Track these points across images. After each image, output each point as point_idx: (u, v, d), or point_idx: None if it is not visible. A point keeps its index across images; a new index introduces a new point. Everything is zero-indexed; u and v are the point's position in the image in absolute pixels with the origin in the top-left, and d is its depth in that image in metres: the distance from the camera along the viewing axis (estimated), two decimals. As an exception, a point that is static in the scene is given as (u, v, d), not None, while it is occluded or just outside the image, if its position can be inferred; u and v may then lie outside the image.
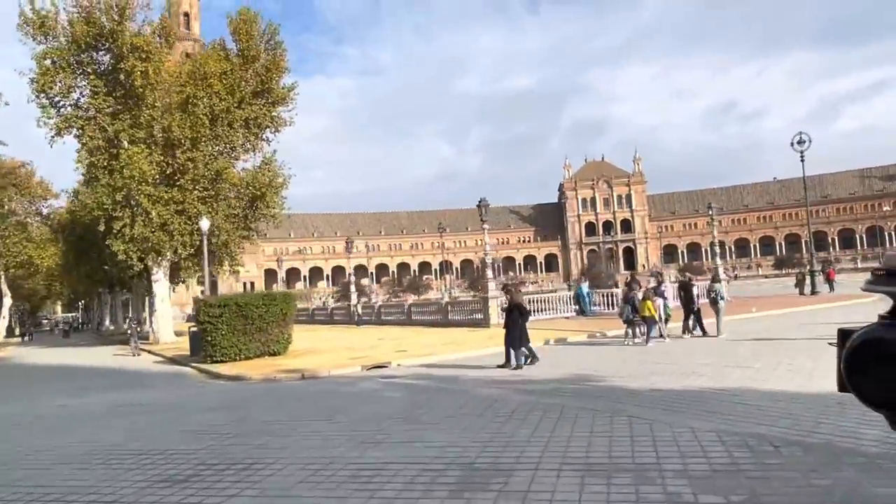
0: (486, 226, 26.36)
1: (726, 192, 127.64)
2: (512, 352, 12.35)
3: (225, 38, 31.55)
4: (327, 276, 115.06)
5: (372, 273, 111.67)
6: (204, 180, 29.58)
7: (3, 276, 54.35)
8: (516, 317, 12.45)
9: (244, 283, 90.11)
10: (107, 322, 60.64)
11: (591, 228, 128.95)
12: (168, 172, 29.25)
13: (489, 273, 26.15)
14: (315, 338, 25.72)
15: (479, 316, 25.31)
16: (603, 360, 13.20)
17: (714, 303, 16.76)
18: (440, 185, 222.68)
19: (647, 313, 15.40)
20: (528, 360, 12.31)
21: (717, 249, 37.78)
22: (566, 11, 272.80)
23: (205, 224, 26.03)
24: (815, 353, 10.95)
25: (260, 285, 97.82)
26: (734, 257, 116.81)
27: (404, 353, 17.01)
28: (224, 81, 29.65)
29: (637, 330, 15.82)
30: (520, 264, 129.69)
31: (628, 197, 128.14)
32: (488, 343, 17.08)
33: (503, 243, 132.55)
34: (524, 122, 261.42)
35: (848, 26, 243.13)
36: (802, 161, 33.15)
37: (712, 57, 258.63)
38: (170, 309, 34.02)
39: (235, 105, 30.01)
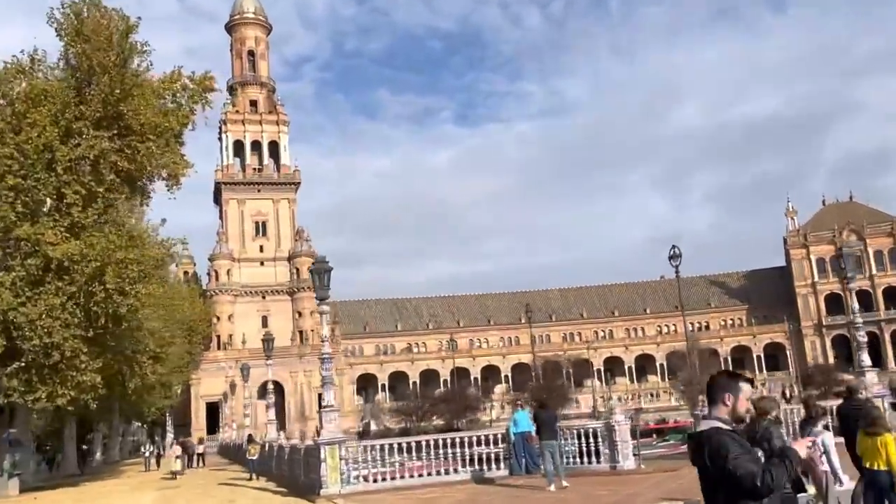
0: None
1: None
2: None
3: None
4: (414, 382, 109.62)
5: (475, 378, 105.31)
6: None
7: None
8: None
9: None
10: None
11: (835, 303, 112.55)
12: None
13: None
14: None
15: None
16: None
17: None
18: (655, 251, 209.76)
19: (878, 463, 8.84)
20: None
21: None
22: (824, 4, 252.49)
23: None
24: None
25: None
26: None
27: None
28: (44, 105, 26.53)
29: None
30: (725, 359, 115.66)
31: (892, 252, 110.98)
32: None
33: (701, 329, 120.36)
34: (770, 161, 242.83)
35: None
36: None
37: None
38: None
39: (59, 138, 26.57)
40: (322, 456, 18.01)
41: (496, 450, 19.60)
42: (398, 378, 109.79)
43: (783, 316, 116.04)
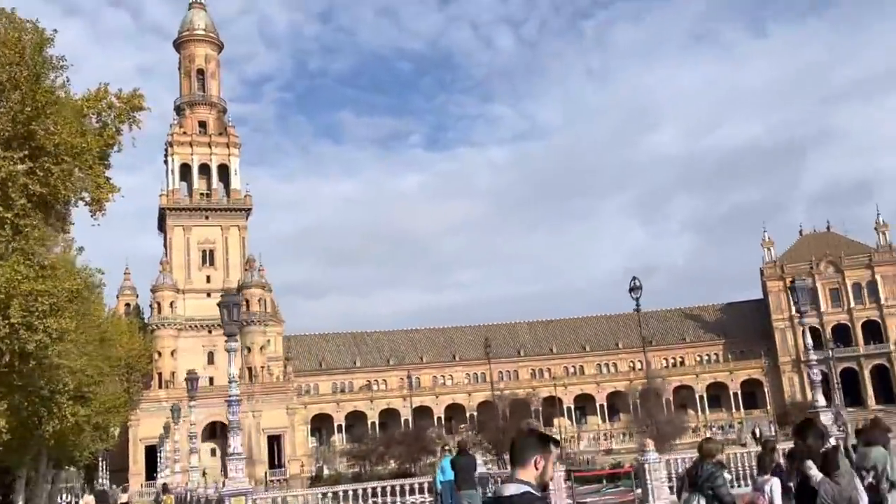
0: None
1: None
2: None
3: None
4: (372, 423, 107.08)
5: (439, 418, 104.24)
6: None
7: None
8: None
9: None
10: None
11: (813, 337, 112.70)
12: None
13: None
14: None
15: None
16: None
17: (878, 500, 9.43)
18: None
19: None
20: None
21: None
22: (801, 30, 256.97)
23: None
24: None
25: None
26: None
27: None
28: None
29: None
30: (701, 397, 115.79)
31: (872, 285, 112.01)
32: None
33: (675, 365, 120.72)
34: (748, 190, 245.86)
35: None
36: None
37: None
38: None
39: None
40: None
41: (425, 499, 18.80)
42: (356, 418, 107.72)
43: (760, 351, 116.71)
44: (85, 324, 41.89)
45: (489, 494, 5.17)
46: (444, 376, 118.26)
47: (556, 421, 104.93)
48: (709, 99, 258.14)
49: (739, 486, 19.07)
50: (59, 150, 27.31)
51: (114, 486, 61.69)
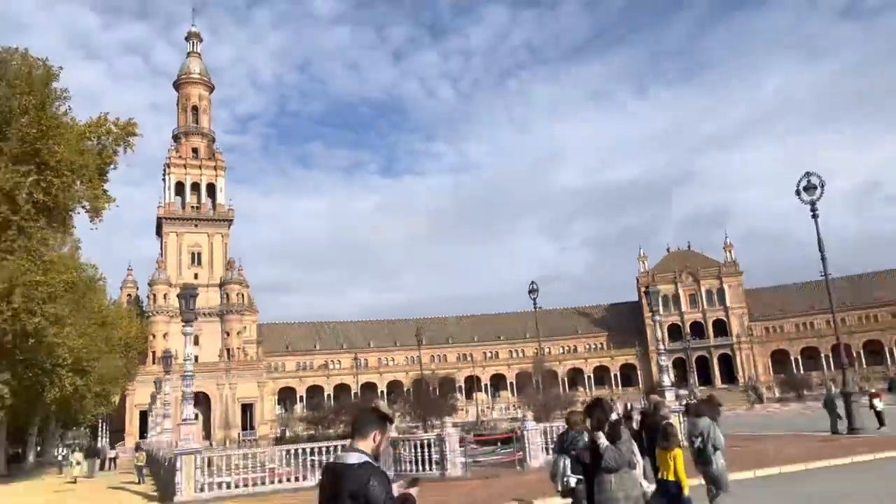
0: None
1: (852, 281, 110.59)
2: None
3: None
4: (328, 395, 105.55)
5: (382, 392, 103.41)
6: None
7: None
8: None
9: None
10: None
11: (675, 332, 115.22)
12: None
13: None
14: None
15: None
16: None
17: (704, 460, 9.41)
18: (544, 287, 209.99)
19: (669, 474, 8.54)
20: None
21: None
22: (675, 93, 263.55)
23: None
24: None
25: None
26: (864, 364, 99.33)
27: None
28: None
29: None
30: (589, 377, 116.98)
31: (720, 292, 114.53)
32: None
33: (570, 352, 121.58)
34: (633, 215, 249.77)
35: None
36: (815, 218, 23.02)
37: (850, 132, 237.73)
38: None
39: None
40: (178, 465, 16.23)
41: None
42: (315, 391, 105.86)
43: (635, 341, 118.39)
44: (84, 310, 40.34)
45: (331, 460, 4.66)
46: (386, 359, 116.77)
47: (475, 395, 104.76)
48: (603, 144, 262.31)
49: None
50: (60, 166, 26.30)
51: (104, 444, 59.23)
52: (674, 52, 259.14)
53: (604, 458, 5.86)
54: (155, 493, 20.03)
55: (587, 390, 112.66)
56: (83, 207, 29.83)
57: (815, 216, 22.80)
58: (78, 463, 31.83)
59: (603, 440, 6.02)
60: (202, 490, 16.35)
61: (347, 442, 3.83)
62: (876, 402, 24.90)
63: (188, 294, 17.68)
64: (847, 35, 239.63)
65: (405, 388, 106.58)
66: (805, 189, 22.90)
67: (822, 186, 22.69)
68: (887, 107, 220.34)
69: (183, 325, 18.48)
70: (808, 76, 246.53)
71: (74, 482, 29.43)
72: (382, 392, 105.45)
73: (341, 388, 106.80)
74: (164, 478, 21.11)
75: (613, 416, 6.47)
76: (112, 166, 31.62)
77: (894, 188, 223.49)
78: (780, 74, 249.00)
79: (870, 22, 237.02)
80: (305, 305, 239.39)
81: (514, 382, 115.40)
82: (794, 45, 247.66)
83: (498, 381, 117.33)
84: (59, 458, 45.03)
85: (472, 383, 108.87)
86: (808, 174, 23.02)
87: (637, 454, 6.87)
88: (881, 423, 23.65)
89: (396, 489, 3.73)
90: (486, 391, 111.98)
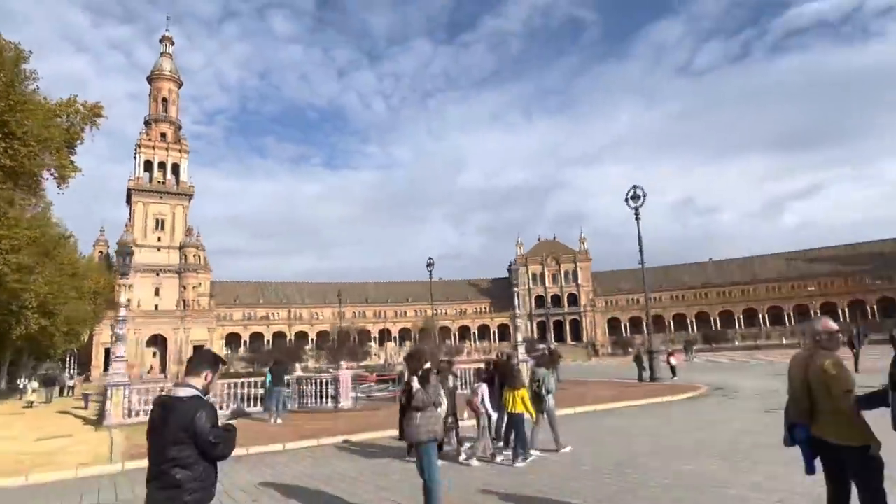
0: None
1: (665, 270, 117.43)
2: None
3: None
4: (268, 341, 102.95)
5: (312, 339, 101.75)
6: None
7: None
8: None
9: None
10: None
11: (540, 301, 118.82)
12: None
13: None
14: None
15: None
16: None
17: (539, 399, 9.60)
18: (446, 262, 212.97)
19: (515, 408, 8.90)
20: None
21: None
22: (554, 120, 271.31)
23: None
24: None
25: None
26: (673, 331, 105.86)
27: None
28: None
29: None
30: (475, 333, 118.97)
31: (574, 273, 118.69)
32: None
33: (461, 314, 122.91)
34: (516, 211, 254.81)
35: (795, 136, 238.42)
36: (637, 220, 23.86)
37: (677, 160, 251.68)
38: None
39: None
40: (108, 395, 15.27)
41: (260, 391, 17.52)
42: (256, 337, 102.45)
43: (510, 307, 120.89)
44: (53, 262, 37.03)
45: (163, 394, 4.00)
46: (317, 313, 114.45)
47: (386, 344, 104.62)
48: (498, 155, 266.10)
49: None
50: (26, 137, 23.81)
51: (64, 374, 55.14)
52: (554, 89, 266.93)
53: (414, 398, 5.76)
54: (94, 418, 18.67)
55: (473, 343, 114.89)
56: (52, 174, 27.19)
57: (637, 218, 23.84)
58: (34, 390, 29.26)
59: (416, 384, 5.91)
60: (128, 416, 15.35)
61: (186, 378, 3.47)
62: (671, 359, 26.51)
63: (125, 252, 16.51)
64: (679, 88, 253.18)
65: (331, 338, 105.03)
66: (631, 198, 23.88)
67: (644, 197, 23.73)
68: (701, 145, 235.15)
69: (119, 279, 17.24)
70: (649, 116, 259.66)
71: (30, 406, 27.11)
72: (312, 339, 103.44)
73: (278, 336, 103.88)
74: (102, 405, 19.79)
75: (427, 365, 6.37)
76: (79, 142, 28.91)
77: (702, 203, 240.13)
78: (629, 113, 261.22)
79: (697, 78, 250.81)
80: (253, 268, 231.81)
81: (417, 335, 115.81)
82: (640, 91, 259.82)
83: (405, 335, 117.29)
84: (21, 386, 41.53)
85: (385, 336, 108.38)
86: (634, 187, 23.99)
87: (442, 396, 6.84)
88: (674, 374, 25.16)
89: (222, 420, 3.45)
90: (396, 342, 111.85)
